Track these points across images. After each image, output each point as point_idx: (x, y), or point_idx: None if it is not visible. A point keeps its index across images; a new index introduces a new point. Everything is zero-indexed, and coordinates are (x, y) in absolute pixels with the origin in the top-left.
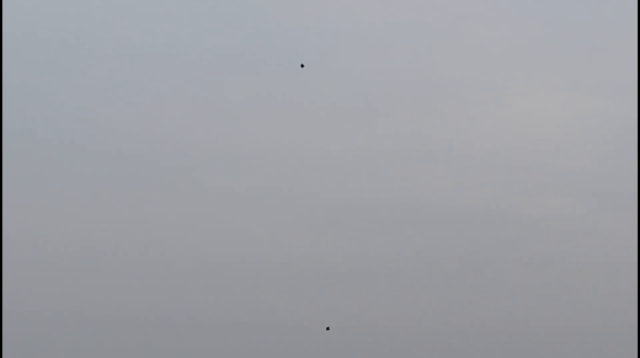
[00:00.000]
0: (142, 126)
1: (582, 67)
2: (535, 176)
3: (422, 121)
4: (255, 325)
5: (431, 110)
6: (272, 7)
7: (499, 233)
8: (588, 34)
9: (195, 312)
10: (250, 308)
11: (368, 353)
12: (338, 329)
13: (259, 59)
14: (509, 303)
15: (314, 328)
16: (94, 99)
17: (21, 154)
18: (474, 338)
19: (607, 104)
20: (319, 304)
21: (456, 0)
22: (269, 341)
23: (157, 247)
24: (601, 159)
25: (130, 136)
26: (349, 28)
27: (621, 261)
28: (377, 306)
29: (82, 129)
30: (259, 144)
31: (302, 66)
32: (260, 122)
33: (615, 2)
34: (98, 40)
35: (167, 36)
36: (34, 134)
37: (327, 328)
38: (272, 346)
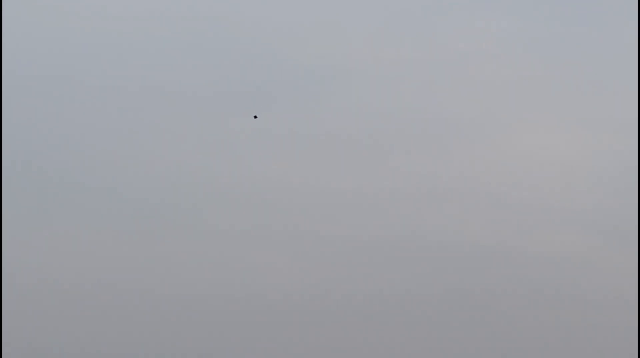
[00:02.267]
0: (150, 165)
1: (586, 104)
2: (540, 213)
3: (428, 158)
4: None
5: (437, 147)
6: (280, 44)
7: (503, 270)
8: (593, 71)
9: (203, 349)
10: (259, 345)
11: None
12: None
13: (267, 96)
14: (513, 338)
15: None
16: (101, 138)
17: (27, 193)
18: None
19: (612, 141)
20: (327, 340)
21: (462, 37)
22: None
23: (165, 286)
24: (606, 196)
25: (137, 175)
26: (355, 65)
27: (625, 298)
28: (386, 340)
29: (90, 168)
30: (266, 181)
31: (255, 117)
32: (267, 159)
33: (618, 41)
34: (107, 78)
35: (173, 74)
36: (42, 173)
37: None
38: None
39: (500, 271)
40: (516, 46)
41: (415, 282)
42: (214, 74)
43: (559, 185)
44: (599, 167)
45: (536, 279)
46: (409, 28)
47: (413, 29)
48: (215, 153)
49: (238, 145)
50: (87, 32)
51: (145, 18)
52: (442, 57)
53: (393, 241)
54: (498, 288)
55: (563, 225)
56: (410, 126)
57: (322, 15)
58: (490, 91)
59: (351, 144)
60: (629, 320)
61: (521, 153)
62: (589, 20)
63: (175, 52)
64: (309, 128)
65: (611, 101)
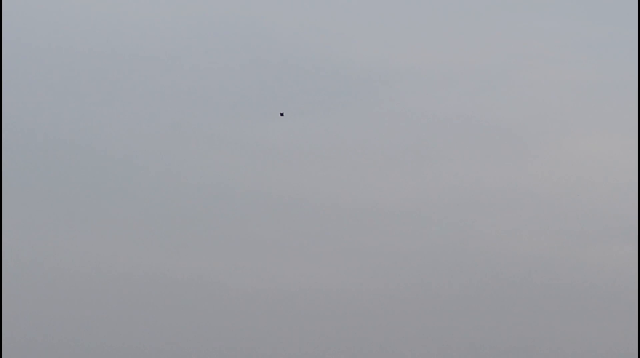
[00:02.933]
0: (189, 171)
1: None
2: (597, 221)
3: (478, 164)
4: None
5: (488, 153)
6: (326, 49)
7: (560, 280)
8: None
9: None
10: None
11: None
12: None
13: (312, 102)
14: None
15: None
16: (142, 144)
17: (62, 194)
18: None
19: None
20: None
21: (513, 39)
22: None
23: (206, 295)
24: None
25: (176, 183)
26: (403, 70)
27: None
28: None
29: (131, 177)
30: (306, 190)
31: (281, 114)
32: (311, 166)
33: None
34: (147, 84)
35: (215, 78)
36: (81, 178)
37: None
38: None
39: (557, 282)
40: (571, 49)
41: (466, 290)
42: (257, 79)
43: (618, 192)
44: None
45: (593, 288)
46: (459, 31)
47: (463, 32)
48: (254, 161)
49: (280, 151)
50: (119, 37)
51: (188, 18)
52: (492, 61)
53: (442, 250)
54: (557, 299)
55: (621, 234)
56: (460, 131)
57: (369, 19)
58: (544, 95)
59: (397, 149)
60: None
61: (577, 159)
62: None
63: (219, 56)
64: (355, 134)
65: None
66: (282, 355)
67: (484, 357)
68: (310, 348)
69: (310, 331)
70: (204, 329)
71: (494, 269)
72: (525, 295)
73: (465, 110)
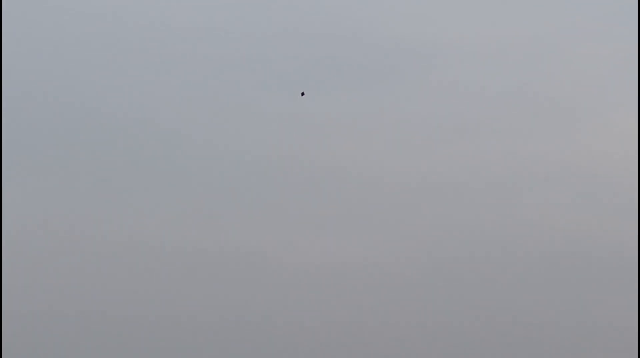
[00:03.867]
0: (236, 145)
1: None
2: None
3: (527, 138)
4: None
5: (537, 126)
6: (378, 22)
7: (609, 254)
8: None
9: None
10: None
11: None
12: None
13: (362, 75)
14: None
15: None
16: (187, 115)
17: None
18: None
19: None
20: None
21: (563, 12)
22: None
23: (250, 268)
24: None
25: (221, 154)
26: (451, 42)
27: None
28: None
29: (176, 145)
30: (352, 163)
31: (302, 94)
32: (353, 140)
33: None
34: (187, 49)
35: (261, 50)
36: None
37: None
38: None
39: (602, 256)
40: (621, 22)
41: (514, 263)
42: (304, 51)
43: None
44: None
45: None
46: (509, 4)
47: (514, 4)
48: (300, 133)
49: (324, 124)
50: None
51: None
52: (542, 34)
53: (490, 223)
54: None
55: None
56: (509, 104)
57: None
58: (593, 68)
59: (446, 124)
60: None
61: (626, 132)
62: None
63: (268, 27)
64: (402, 108)
65: None
66: (324, 326)
67: (529, 330)
68: (355, 317)
69: (356, 303)
70: (249, 301)
71: (541, 242)
72: (572, 268)
73: (514, 83)
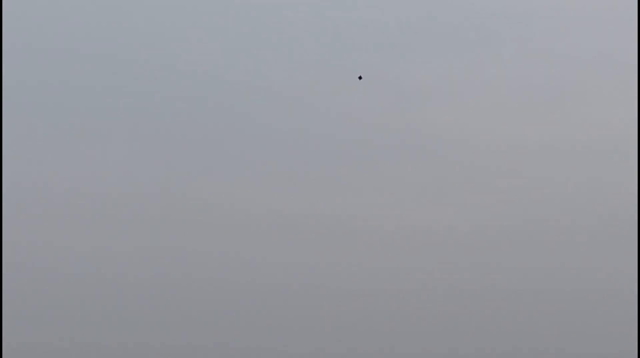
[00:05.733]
0: (317, 111)
1: None
2: None
3: (621, 104)
4: None
5: (630, 93)
6: None
7: None
8: None
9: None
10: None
11: None
12: None
13: (449, 41)
14: None
15: None
16: (276, 75)
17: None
18: None
19: None
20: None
21: None
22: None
23: (329, 231)
24: None
25: (307, 116)
26: (544, 8)
27: None
28: None
29: (270, 107)
30: (445, 129)
31: (360, 77)
32: (446, 106)
33: None
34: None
35: (352, 14)
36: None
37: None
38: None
39: None
40: None
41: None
42: (394, 17)
43: None
44: None
45: None
46: None
47: None
48: (392, 99)
49: (418, 91)
50: None
51: None
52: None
53: (587, 191)
54: None
55: None
56: (602, 70)
57: None
58: None
59: (537, 91)
60: None
61: None
62: None
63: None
64: (496, 73)
65: None
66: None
67: (617, 298)
68: (442, 279)
69: (441, 266)
70: (329, 265)
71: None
72: None
73: (609, 50)
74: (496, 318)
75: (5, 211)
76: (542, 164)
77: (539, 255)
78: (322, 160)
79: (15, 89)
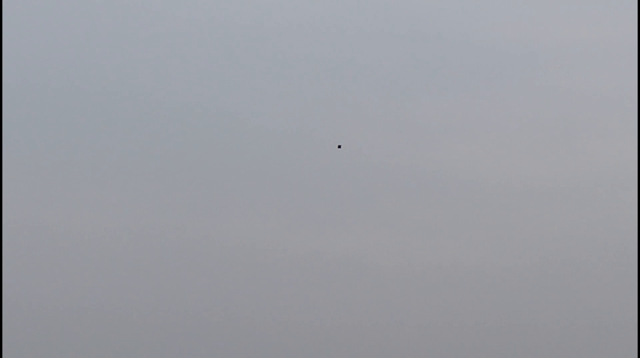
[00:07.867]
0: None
1: None
2: None
3: (629, 143)
4: None
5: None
6: (468, 25)
7: None
8: None
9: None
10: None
11: None
12: None
13: (455, 79)
14: None
15: None
16: (285, 114)
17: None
18: None
19: None
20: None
21: None
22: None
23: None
24: None
25: (320, 156)
26: (550, 46)
27: None
28: None
29: (282, 147)
30: (454, 168)
31: (339, 146)
32: (456, 144)
33: None
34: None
35: (364, 54)
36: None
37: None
38: None
39: None
40: None
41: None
42: (401, 53)
43: None
44: None
45: None
46: (607, 7)
47: (612, 7)
48: (400, 137)
49: (424, 129)
50: None
51: None
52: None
53: (594, 227)
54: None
55: None
56: (609, 108)
57: None
58: None
59: (543, 128)
60: None
61: None
62: None
63: (372, 29)
64: (502, 112)
65: None
66: (429, 327)
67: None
68: (449, 318)
69: (448, 304)
70: (334, 303)
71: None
72: None
73: (614, 87)
74: (505, 356)
75: (5, 250)
76: (550, 202)
77: (548, 294)
78: (328, 198)
79: (11, 127)
